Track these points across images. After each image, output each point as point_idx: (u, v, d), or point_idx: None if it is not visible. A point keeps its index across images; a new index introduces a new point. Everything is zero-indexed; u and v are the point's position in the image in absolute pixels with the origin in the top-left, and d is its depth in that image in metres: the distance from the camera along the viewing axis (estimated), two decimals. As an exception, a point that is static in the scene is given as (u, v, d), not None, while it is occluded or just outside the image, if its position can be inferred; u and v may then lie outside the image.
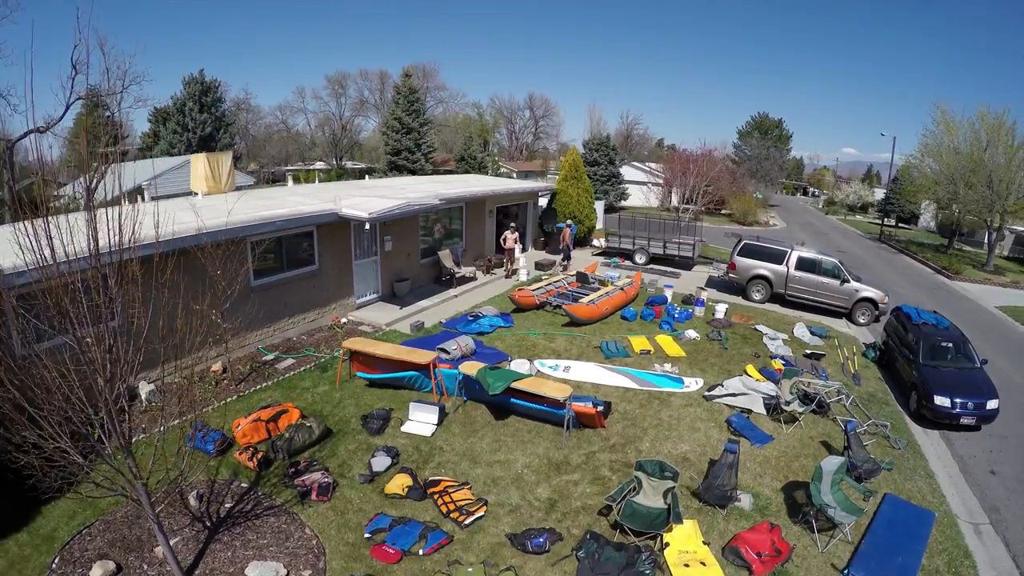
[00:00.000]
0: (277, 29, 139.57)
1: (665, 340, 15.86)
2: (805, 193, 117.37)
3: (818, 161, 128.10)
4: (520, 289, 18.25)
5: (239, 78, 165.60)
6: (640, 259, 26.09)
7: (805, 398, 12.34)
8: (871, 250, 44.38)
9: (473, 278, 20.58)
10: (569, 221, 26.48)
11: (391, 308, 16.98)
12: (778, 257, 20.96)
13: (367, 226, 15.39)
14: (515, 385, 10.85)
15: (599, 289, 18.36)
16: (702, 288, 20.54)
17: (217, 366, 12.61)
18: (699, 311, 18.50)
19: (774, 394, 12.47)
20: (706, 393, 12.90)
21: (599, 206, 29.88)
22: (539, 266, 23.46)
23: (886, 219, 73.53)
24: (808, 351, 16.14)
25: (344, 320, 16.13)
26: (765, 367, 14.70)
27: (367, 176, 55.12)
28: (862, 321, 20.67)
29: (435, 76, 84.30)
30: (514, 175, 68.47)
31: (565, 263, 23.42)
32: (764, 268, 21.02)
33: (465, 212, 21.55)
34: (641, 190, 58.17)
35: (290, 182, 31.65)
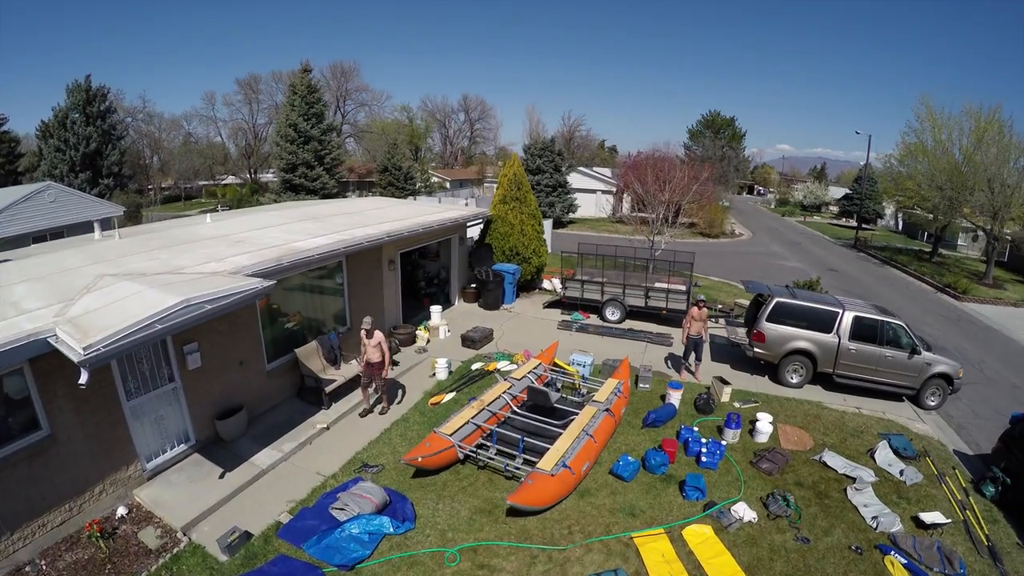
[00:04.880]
0: (182, 28, 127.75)
1: (699, 536, 8.49)
2: (751, 192, 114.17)
3: (759, 158, 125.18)
4: (429, 443, 9.39)
5: (136, 83, 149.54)
6: (613, 315, 18.66)
7: None
8: (854, 262, 39.33)
9: (356, 382, 12.87)
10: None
11: (208, 473, 9.44)
12: (826, 322, 14.18)
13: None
14: None
15: (568, 416, 10.25)
16: (723, 382, 13.55)
17: None
18: (733, 436, 11.48)
19: None
20: None
21: (547, 225, 22.97)
22: (468, 341, 15.60)
23: (845, 219, 70.56)
24: (924, 517, 9.39)
25: (120, 512, 8.50)
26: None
27: (255, 196, 47.21)
28: (931, 404, 14.60)
29: (355, 76, 76.88)
30: (447, 185, 62.03)
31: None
32: (805, 339, 14.18)
33: (347, 270, 13.63)
34: (592, 199, 52.40)
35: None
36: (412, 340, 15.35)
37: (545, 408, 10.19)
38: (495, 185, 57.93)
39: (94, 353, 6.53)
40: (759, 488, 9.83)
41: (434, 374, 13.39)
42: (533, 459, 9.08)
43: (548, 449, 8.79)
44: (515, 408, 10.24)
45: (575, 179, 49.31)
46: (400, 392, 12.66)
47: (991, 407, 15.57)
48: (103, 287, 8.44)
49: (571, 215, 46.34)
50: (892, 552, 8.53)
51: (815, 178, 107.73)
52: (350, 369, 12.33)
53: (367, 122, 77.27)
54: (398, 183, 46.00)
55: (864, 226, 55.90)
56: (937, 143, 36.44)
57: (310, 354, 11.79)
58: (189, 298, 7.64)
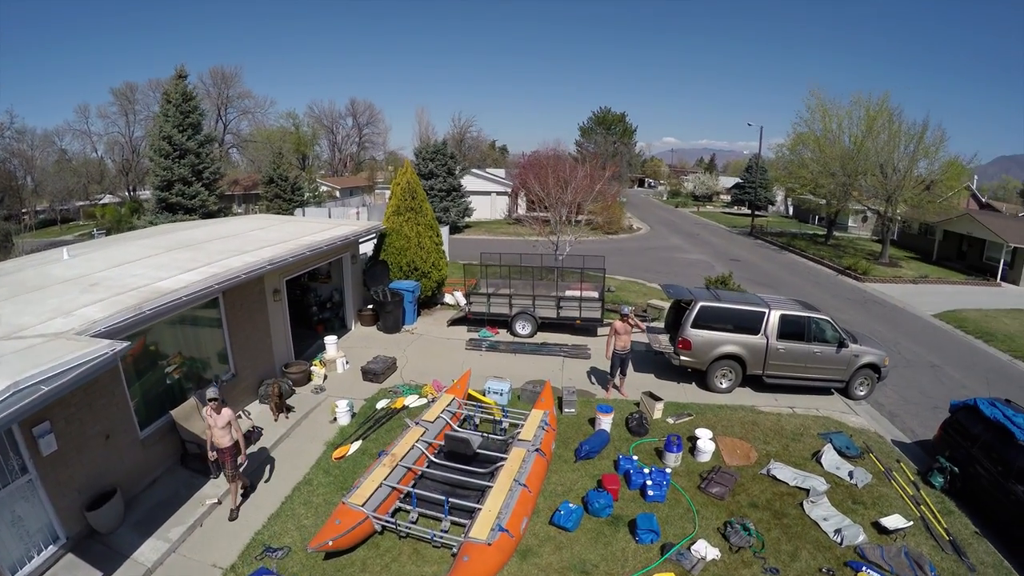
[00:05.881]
0: (50, 34, 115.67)
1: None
2: (642, 185, 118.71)
3: (648, 152, 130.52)
4: (339, 518, 7.95)
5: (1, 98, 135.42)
6: (524, 329, 17.81)
7: None
8: (754, 250, 41.13)
9: (253, 434, 11.12)
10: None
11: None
12: (753, 323, 14.03)
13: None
14: None
15: (494, 463, 9.11)
16: (654, 398, 12.89)
17: None
18: (675, 460, 10.81)
19: None
20: None
21: (443, 233, 21.92)
22: (370, 374, 14.13)
23: (737, 207, 74.59)
24: (885, 523, 9.28)
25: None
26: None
27: (136, 216, 43.40)
28: (861, 394, 14.90)
29: (237, 81, 72.99)
30: (337, 194, 60.00)
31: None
32: (733, 343, 13.95)
33: (224, 307, 11.76)
34: (487, 201, 52.15)
35: None
36: (307, 378, 13.79)
37: (467, 455, 9.16)
38: (386, 191, 56.56)
39: None
40: (713, 516, 9.26)
41: (335, 419, 11.94)
42: (461, 521, 8.02)
43: (477, 508, 7.73)
44: (432, 458, 9.10)
45: (469, 182, 48.78)
46: (270, 468, 11.11)
47: (916, 390, 16.16)
48: None
49: (467, 219, 45.79)
50: (864, 568, 8.27)
51: (705, 169, 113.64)
52: (240, 425, 10.72)
53: (251, 131, 73.82)
54: (285, 195, 43.77)
55: (758, 213, 59.12)
56: (827, 131, 39.07)
57: (189, 414, 10.06)
58: (18, 381, 6.06)
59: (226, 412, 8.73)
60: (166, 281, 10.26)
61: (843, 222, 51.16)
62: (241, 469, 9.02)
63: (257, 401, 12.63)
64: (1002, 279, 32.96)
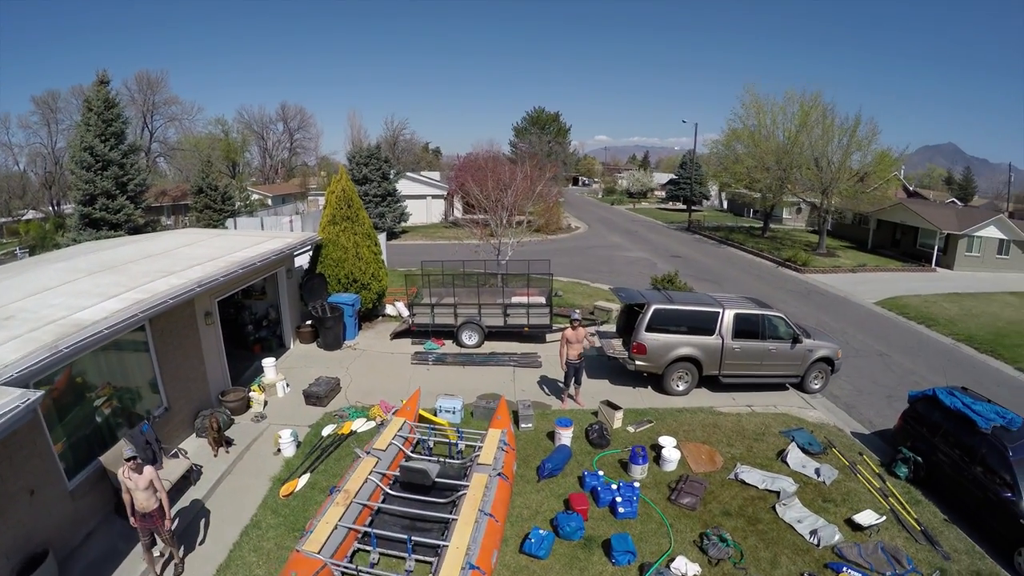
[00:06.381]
0: None
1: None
2: (576, 183, 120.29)
3: (581, 150, 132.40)
4: (294, 570, 6.98)
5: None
6: (470, 339, 17.47)
7: None
8: (694, 245, 41.96)
9: (192, 473, 10.17)
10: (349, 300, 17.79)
11: None
12: (708, 323, 14.06)
13: None
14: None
15: (456, 492, 8.60)
16: (612, 407, 12.61)
17: None
18: (642, 472, 10.62)
19: None
20: None
21: (381, 240, 21.29)
22: (313, 398, 13.40)
23: (672, 202, 76.32)
24: (859, 520, 9.42)
25: None
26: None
27: (60, 232, 41.04)
28: (816, 387, 15.17)
29: (163, 87, 69.85)
30: (269, 201, 58.29)
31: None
32: (689, 344, 13.95)
33: (152, 335, 10.79)
34: (423, 205, 51.69)
35: None
36: (246, 406, 12.93)
37: (425, 485, 8.67)
38: (319, 197, 55.30)
39: None
40: (688, 529, 9.08)
41: (279, 450, 11.21)
42: (427, 559, 7.54)
43: (443, 545, 7.23)
44: (387, 490, 8.58)
45: (404, 185, 48.21)
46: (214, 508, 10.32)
47: (869, 379, 16.59)
48: None
49: (403, 224, 45.24)
50: (844, 569, 8.31)
51: (639, 166, 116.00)
52: (176, 466, 9.87)
53: (178, 138, 71.38)
54: (215, 205, 42.15)
55: (693, 208, 60.60)
56: (762, 127, 40.40)
57: (120, 458, 9.20)
58: None
59: (148, 471, 7.72)
60: (87, 311, 9.36)
61: (778, 214, 52.89)
62: (171, 534, 8.14)
63: (194, 435, 11.77)
64: (936, 264, 34.72)
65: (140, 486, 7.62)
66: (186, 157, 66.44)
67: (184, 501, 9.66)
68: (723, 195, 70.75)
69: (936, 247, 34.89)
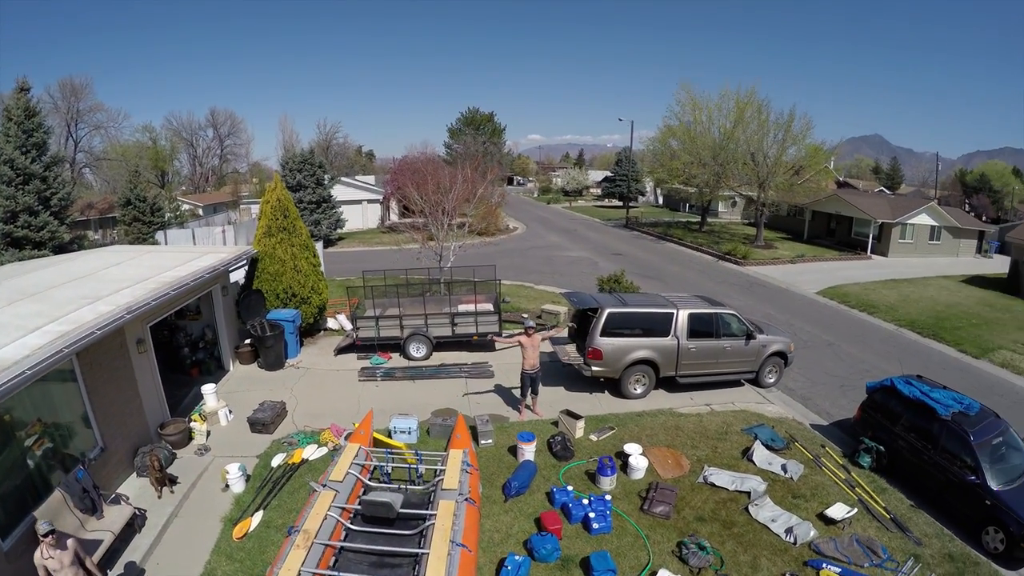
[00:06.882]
0: None
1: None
2: (511, 183, 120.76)
3: (515, 150, 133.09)
4: None
5: None
6: (418, 351, 17.02)
7: None
8: (633, 242, 42.48)
9: (137, 519, 9.32)
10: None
11: None
12: (662, 325, 14.12)
13: None
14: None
15: (424, 522, 7.89)
16: (573, 416, 12.53)
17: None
18: (611, 483, 10.49)
19: None
20: None
21: (319, 249, 20.59)
22: (259, 425, 12.71)
23: (608, 199, 77.39)
24: (831, 514, 9.64)
25: None
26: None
27: None
28: (770, 381, 15.48)
29: (88, 94, 65.95)
30: (200, 211, 56.14)
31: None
32: (645, 347, 13.98)
33: (81, 369, 9.97)
34: (359, 210, 50.81)
35: None
36: (188, 438, 12.13)
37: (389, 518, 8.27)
38: (252, 205, 53.56)
39: None
40: (664, 539, 9.00)
41: (227, 486, 10.59)
42: None
43: None
44: (349, 525, 8.15)
45: (339, 191, 47.21)
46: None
47: (821, 370, 17.04)
48: None
49: (339, 231, 44.39)
50: (824, 565, 8.47)
51: (574, 164, 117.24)
52: (119, 513, 9.14)
53: (104, 148, 67.69)
54: (144, 217, 40.29)
55: (630, 205, 61.58)
56: (698, 123, 41.35)
57: (58, 512, 8.37)
58: None
59: (70, 545, 7.00)
60: (6, 348, 8.55)
61: (714, 208, 54.30)
62: None
63: (134, 474, 10.98)
64: (872, 252, 36.28)
65: (65, 563, 6.82)
66: (113, 167, 63.52)
67: (130, 552, 8.95)
68: (658, 191, 72.13)
69: (871, 235, 36.43)
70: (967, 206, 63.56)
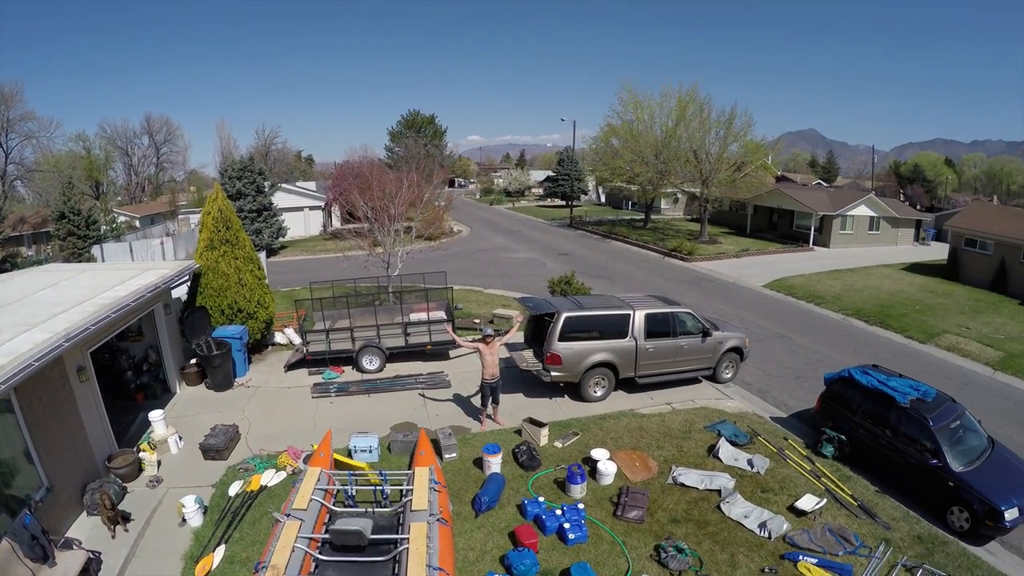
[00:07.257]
0: None
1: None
2: (452, 185, 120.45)
3: (456, 151, 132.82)
4: None
5: None
6: (371, 364, 16.69)
7: None
8: (579, 241, 42.75)
9: (93, 562, 8.75)
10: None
11: None
12: (620, 327, 14.24)
13: None
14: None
15: (396, 547, 7.67)
16: (536, 424, 12.46)
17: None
18: (582, 491, 10.44)
19: None
20: None
21: (262, 260, 19.97)
22: (212, 452, 12.17)
23: (551, 199, 77.85)
24: (801, 506, 9.93)
25: None
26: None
27: None
28: (727, 376, 15.81)
29: (18, 101, 62.21)
30: (137, 223, 53.97)
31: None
32: (603, 350, 14.07)
33: (19, 404, 9.30)
34: (300, 217, 49.75)
35: None
36: (138, 470, 11.55)
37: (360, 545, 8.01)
38: (191, 215, 51.82)
39: None
40: (641, 544, 9.02)
41: (184, 521, 10.11)
42: None
43: None
44: (318, 555, 7.87)
45: (280, 198, 46.11)
46: None
47: (775, 363, 17.45)
48: None
49: (281, 239, 43.34)
50: (801, 557, 8.70)
51: (516, 164, 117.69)
52: (72, 559, 8.58)
53: (36, 158, 64.16)
54: (80, 231, 38.50)
55: (572, 204, 62.13)
56: (640, 122, 41.98)
57: (6, 564, 7.81)
58: None
59: None
60: None
61: (657, 205, 55.21)
62: None
63: (84, 513, 10.39)
64: (814, 244, 37.52)
65: None
66: (46, 179, 61.03)
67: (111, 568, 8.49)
68: (600, 189, 73.01)
69: (812, 228, 37.65)
70: (902, 196, 66.54)
